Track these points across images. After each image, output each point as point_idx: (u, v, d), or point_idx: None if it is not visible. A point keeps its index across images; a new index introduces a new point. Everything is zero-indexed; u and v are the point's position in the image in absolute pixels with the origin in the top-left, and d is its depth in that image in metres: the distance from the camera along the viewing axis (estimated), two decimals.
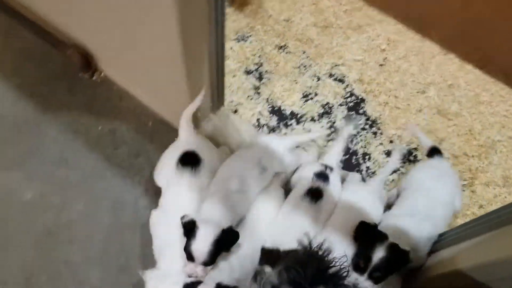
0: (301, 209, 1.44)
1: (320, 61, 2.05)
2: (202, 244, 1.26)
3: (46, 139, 1.88)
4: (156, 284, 1.36)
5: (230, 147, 1.75)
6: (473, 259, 1.22)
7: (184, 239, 1.31)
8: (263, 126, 1.87)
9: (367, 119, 1.91)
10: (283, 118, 1.89)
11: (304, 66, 2.03)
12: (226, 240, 1.30)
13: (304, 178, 1.54)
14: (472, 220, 1.34)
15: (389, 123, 1.89)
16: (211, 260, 1.28)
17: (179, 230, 1.33)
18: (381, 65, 2.06)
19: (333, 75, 2.02)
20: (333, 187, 1.52)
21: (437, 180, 1.54)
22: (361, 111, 1.93)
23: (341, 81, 2.01)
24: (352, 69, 2.04)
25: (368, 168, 1.78)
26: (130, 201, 1.75)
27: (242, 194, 1.45)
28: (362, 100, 1.96)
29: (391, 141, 1.85)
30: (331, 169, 1.56)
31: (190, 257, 1.29)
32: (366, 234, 1.35)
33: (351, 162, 1.80)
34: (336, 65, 2.05)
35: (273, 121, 1.88)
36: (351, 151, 1.83)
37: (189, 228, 1.29)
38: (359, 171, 1.78)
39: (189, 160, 1.48)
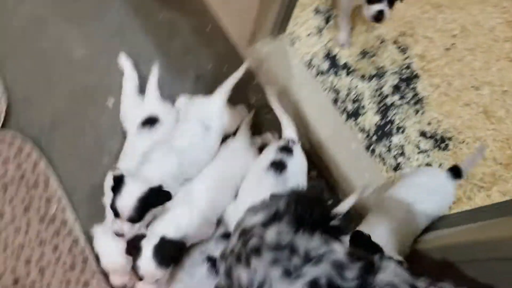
0: (266, 182, 1.42)
1: (390, 26, 2.03)
2: (126, 200, 1.22)
3: (110, 8, 1.92)
4: (103, 238, 1.38)
5: (273, 79, 1.77)
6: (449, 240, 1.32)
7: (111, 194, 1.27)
8: (313, 67, 1.88)
9: (414, 95, 1.91)
10: (335, 66, 1.90)
11: (373, 26, 2.01)
12: (153, 199, 1.26)
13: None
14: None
15: (434, 106, 1.89)
16: (137, 217, 1.24)
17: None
18: (447, 49, 2.03)
19: (398, 43, 2.00)
20: (297, 160, 1.50)
21: (432, 194, 1.50)
22: (411, 85, 1.92)
23: (403, 51, 1.99)
24: (418, 44, 2.01)
25: (395, 145, 1.81)
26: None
27: (187, 152, 1.44)
28: (416, 76, 1.95)
29: (429, 123, 1.86)
30: (294, 142, 1.52)
31: (116, 213, 1.25)
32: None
33: (384, 129, 1.82)
34: (403, 35, 2.02)
35: (325, 66, 1.89)
36: (388, 119, 1.84)
37: (117, 183, 1.25)
38: (389, 141, 1.81)
39: None
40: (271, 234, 0.69)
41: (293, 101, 1.72)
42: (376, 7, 1.67)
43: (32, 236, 1.42)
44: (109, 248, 1.35)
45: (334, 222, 0.85)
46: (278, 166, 1.42)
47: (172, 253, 1.24)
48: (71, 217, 1.50)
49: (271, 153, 1.48)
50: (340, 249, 0.71)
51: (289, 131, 1.54)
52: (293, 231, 0.69)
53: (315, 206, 0.82)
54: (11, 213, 1.44)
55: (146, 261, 1.19)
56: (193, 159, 1.45)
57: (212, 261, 1.30)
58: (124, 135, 1.62)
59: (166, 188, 1.28)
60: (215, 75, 1.83)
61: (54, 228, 1.45)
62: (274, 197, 0.85)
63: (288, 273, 0.65)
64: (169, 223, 1.30)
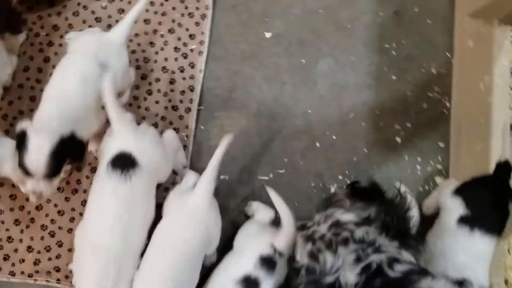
0: None
1: None
2: (36, 156, 1.07)
3: None
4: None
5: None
6: None
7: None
8: None
9: None
10: None
11: None
12: (69, 149, 1.11)
13: None
14: None
15: None
16: (54, 171, 1.10)
17: None
18: None
19: None
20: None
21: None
22: None
23: None
24: None
25: None
26: None
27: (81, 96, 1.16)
28: None
29: None
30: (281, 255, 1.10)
31: (26, 172, 1.09)
32: None
33: None
34: None
35: None
36: None
37: (21, 139, 1.09)
38: None
39: None
40: (360, 232, 0.85)
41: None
42: None
43: None
44: None
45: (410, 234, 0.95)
46: (250, 285, 1.07)
47: None
48: None
49: (247, 263, 1.09)
50: (406, 256, 0.84)
51: (284, 238, 1.08)
52: (378, 232, 0.85)
53: (400, 221, 0.92)
54: None
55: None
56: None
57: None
58: None
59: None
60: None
61: None
62: (367, 201, 0.95)
63: (359, 259, 0.82)
64: None
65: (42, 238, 1.29)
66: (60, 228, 1.29)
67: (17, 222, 1.29)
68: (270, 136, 1.41)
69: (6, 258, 1.27)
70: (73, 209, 1.31)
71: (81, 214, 1.29)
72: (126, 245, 1.06)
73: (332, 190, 1.37)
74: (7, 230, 1.29)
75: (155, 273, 1.06)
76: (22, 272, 1.26)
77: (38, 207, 1.30)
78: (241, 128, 1.41)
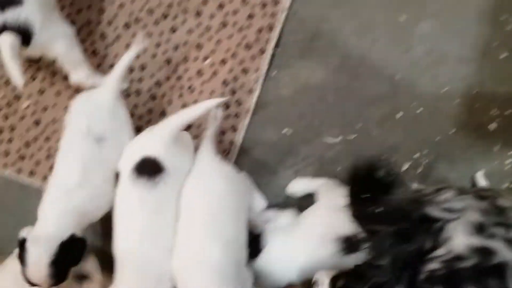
0: None
1: None
2: (36, 269, 0.99)
3: None
4: None
5: None
6: None
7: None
8: None
9: None
10: None
11: None
12: (71, 253, 1.02)
13: None
14: None
15: None
16: (58, 280, 1.02)
17: None
18: None
19: None
20: None
21: None
22: None
23: None
24: None
25: None
26: None
27: (85, 187, 1.03)
28: None
29: None
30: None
31: (31, 284, 1.02)
32: None
33: None
34: None
35: None
36: None
37: (22, 250, 1.01)
38: None
39: None
40: None
41: None
42: None
43: None
44: None
45: None
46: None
47: None
48: None
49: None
50: None
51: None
52: None
53: None
54: None
55: None
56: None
57: None
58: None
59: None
60: None
61: None
62: None
63: None
64: None
65: None
66: None
67: None
68: (347, 96, 1.25)
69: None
70: None
71: None
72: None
73: (405, 167, 1.23)
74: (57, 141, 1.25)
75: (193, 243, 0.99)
76: None
77: None
78: (317, 82, 1.27)
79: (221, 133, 1.22)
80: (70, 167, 1.03)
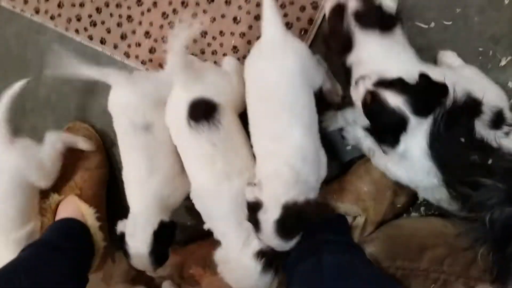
0: None
1: None
2: (139, 260, 1.04)
3: None
4: None
5: None
6: None
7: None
8: None
9: None
10: None
11: None
12: (165, 238, 1.06)
13: None
14: None
15: None
16: (161, 263, 1.08)
17: None
18: None
19: None
20: None
21: None
22: None
23: None
24: None
25: None
26: None
27: (155, 174, 1.04)
28: None
29: None
30: None
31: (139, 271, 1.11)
32: None
33: None
34: None
35: None
36: None
37: (122, 244, 1.05)
38: None
39: None
40: None
41: None
42: None
43: None
44: None
45: None
46: None
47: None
48: None
49: None
50: None
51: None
52: None
53: None
54: None
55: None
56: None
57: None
58: None
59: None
60: None
61: None
62: None
63: None
64: None
65: (161, 26, 1.18)
66: (181, 21, 1.18)
67: (139, 2, 1.19)
68: None
69: (123, 37, 1.20)
70: (197, 4, 1.17)
71: (205, 11, 1.16)
72: None
73: (503, 62, 1.09)
74: (128, 8, 1.19)
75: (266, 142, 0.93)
76: (137, 56, 1.20)
77: None
78: None
79: (300, 8, 1.11)
80: (135, 162, 1.05)
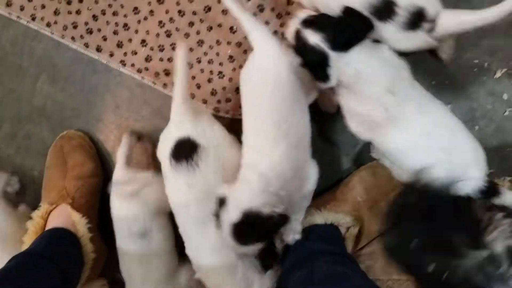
0: None
1: None
2: None
3: None
4: None
5: None
6: None
7: None
8: None
9: None
10: None
11: None
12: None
13: None
14: None
15: None
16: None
17: None
18: None
19: None
20: None
21: None
22: None
23: None
24: None
25: None
26: None
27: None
28: None
29: None
30: None
31: None
32: None
33: None
34: None
35: None
36: None
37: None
38: None
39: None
40: None
41: None
42: None
43: None
44: None
45: None
46: None
47: None
48: None
49: None
50: None
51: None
52: None
53: None
54: None
55: None
56: None
57: None
58: None
59: None
60: None
61: None
62: None
63: None
64: None
65: (157, 35, 1.18)
66: (177, 29, 1.18)
67: (136, 10, 1.19)
68: None
69: (119, 45, 1.20)
70: (194, 13, 1.17)
71: (201, 21, 1.16)
72: None
73: (498, 74, 1.09)
74: (125, 16, 1.19)
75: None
76: (133, 65, 1.20)
77: (160, 0, 1.18)
78: None
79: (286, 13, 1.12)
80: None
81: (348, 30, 0.87)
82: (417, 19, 0.86)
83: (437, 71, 1.09)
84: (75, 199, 1.13)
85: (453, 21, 0.86)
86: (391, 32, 0.88)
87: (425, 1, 0.85)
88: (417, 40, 0.89)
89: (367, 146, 1.12)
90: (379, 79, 0.87)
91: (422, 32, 0.87)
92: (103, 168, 1.23)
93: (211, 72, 1.17)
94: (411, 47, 0.90)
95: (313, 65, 0.90)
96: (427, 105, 0.90)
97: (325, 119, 1.13)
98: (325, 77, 0.89)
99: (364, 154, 1.14)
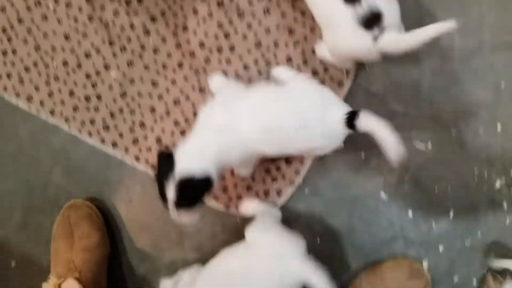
0: None
1: None
2: None
3: None
4: None
5: None
6: None
7: None
8: None
9: None
10: None
11: None
12: None
13: None
14: None
15: None
16: None
17: None
18: None
19: None
20: None
21: None
22: None
23: None
24: None
25: None
26: None
27: None
28: None
29: None
30: None
31: None
32: None
33: None
34: None
35: None
36: None
37: None
38: None
39: None
40: None
41: None
42: None
43: None
44: None
45: None
46: None
47: None
48: None
49: None
50: None
51: None
52: None
53: None
54: None
55: None
56: None
57: None
58: None
59: None
60: None
61: None
62: None
63: None
64: None
65: (172, 133, 1.24)
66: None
67: (152, 109, 1.25)
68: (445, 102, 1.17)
69: (135, 141, 1.25)
70: None
71: None
72: None
73: (497, 186, 1.16)
74: (141, 114, 1.25)
75: None
76: (147, 161, 1.24)
77: (176, 101, 1.24)
78: (413, 78, 1.19)
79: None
80: None
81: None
82: (372, 19, 0.89)
83: None
84: (82, 272, 1.16)
85: (394, 39, 0.89)
86: (346, 19, 0.90)
87: (387, 10, 0.90)
88: (362, 41, 0.91)
89: None
90: None
91: (369, 37, 0.90)
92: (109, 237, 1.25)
93: None
94: (352, 47, 0.95)
95: None
96: None
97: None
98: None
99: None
